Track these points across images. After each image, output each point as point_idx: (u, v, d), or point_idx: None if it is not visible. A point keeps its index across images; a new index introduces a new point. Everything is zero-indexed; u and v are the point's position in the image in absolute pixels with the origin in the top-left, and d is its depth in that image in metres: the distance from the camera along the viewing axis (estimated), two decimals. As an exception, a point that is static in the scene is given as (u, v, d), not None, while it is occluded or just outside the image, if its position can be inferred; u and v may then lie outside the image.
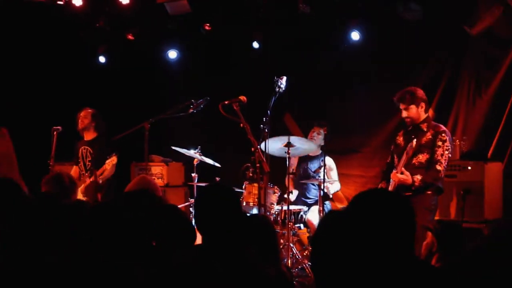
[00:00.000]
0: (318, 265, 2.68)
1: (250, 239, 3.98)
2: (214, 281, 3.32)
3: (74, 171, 8.97)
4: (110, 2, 10.01)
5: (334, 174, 8.82)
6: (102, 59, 11.07)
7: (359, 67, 9.41)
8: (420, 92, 7.01)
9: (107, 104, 10.32)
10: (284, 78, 7.49)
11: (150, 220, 4.00)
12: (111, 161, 8.17)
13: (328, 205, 8.61)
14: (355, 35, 9.15)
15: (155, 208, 4.18)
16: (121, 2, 9.74)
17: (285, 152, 7.85)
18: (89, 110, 8.82)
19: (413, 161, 6.85)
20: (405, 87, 7.15)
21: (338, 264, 2.59)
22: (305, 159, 8.87)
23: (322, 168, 7.98)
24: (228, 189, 3.86)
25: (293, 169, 8.66)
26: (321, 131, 8.60)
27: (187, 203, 8.97)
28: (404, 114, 7.01)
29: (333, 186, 8.82)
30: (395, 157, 7.17)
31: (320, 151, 8.65)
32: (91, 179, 8.39)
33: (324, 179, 7.93)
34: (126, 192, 5.05)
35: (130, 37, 10.48)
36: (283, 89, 7.48)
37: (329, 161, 8.65)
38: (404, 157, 6.80)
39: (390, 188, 6.91)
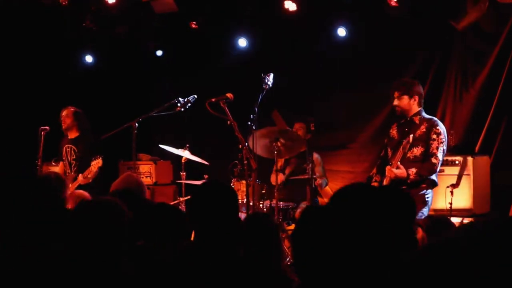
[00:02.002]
0: (298, 261, 2.67)
1: (250, 238, 3.98)
2: (204, 278, 3.32)
3: (60, 168, 8.96)
4: (96, 1, 9.98)
5: (320, 169, 8.82)
6: (88, 58, 11.04)
7: (345, 63, 9.42)
8: (417, 85, 7.00)
9: (95, 103, 10.29)
10: (271, 75, 7.47)
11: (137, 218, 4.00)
12: (96, 163, 8.14)
13: (316, 201, 8.60)
14: (341, 31, 9.16)
15: (142, 207, 4.18)
16: (107, 1, 9.71)
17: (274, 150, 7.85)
18: (71, 109, 8.78)
19: (408, 155, 6.80)
20: (393, 82, 7.15)
21: (318, 260, 2.58)
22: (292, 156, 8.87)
23: (310, 164, 7.96)
24: (225, 187, 3.85)
25: (280, 166, 8.65)
26: (302, 126, 8.57)
27: (176, 201, 8.96)
28: (395, 102, 6.95)
29: (322, 181, 8.82)
30: (389, 150, 7.15)
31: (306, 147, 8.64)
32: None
33: (312, 174, 7.92)
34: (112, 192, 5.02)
35: (116, 35, 10.44)
36: (270, 86, 7.47)
37: (315, 156, 8.64)
38: (400, 152, 6.77)
39: (385, 183, 6.90)
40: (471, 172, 7.67)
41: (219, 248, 3.48)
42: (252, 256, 3.66)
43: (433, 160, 6.72)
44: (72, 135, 8.78)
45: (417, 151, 6.80)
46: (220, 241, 3.51)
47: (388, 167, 6.87)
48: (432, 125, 6.83)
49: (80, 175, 8.39)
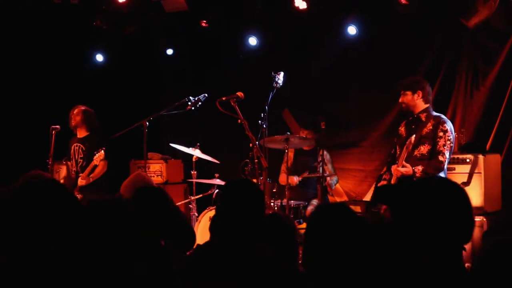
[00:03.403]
0: (309, 260, 2.68)
1: (269, 237, 4.00)
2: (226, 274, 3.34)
3: (65, 167, 8.99)
4: (106, 0, 10.01)
5: (330, 167, 8.82)
6: (99, 57, 11.07)
7: (356, 62, 9.40)
8: (421, 81, 7.02)
9: (105, 102, 10.32)
10: (282, 73, 7.49)
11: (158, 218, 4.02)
12: (98, 156, 8.20)
13: (327, 199, 8.60)
14: (351, 30, 9.15)
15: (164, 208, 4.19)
16: (117, 0, 9.74)
17: (284, 148, 7.87)
18: (81, 108, 8.80)
19: (415, 153, 6.82)
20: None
21: (329, 259, 2.59)
22: (301, 154, 8.87)
23: (321, 162, 7.97)
24: (253, 185, 3.90)
25: (290, 164, 8.65)
26: (309, 133, 8.61)
27: (186, 200, 8.97)
28: (400, 99, 7.04)
29: (332, 179, 8.83)
30: (398, 148, 7.16)
31: (315, 145, 8.66)
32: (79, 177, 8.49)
33: (323, 173, 7.92)
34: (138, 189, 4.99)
35: (127, 34, 10.46)
36: (281, 84, 7.48)
37: (324, 154, 8.64)
38: (404, 151, 6.79)
39: (392, 181, 6.91)
40: (482, 170, 7.64)
41: (243, 245, 3.50)
42: (272, 254, 3.67)
43: (440, 158, 6.72)
44: (81, 134, 8.80)
45: (424, 149, 6.81)
46: (244, 239, 3.53)
47: (394, 166, 6.90)
48: (438, 123, 6.83)
49: (80, 176, 8.45)
